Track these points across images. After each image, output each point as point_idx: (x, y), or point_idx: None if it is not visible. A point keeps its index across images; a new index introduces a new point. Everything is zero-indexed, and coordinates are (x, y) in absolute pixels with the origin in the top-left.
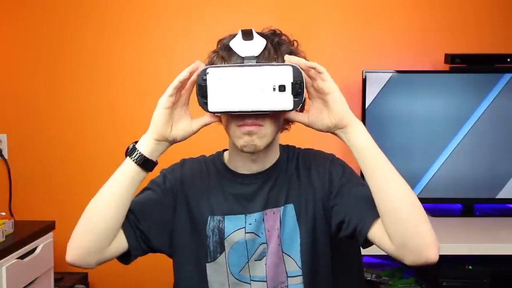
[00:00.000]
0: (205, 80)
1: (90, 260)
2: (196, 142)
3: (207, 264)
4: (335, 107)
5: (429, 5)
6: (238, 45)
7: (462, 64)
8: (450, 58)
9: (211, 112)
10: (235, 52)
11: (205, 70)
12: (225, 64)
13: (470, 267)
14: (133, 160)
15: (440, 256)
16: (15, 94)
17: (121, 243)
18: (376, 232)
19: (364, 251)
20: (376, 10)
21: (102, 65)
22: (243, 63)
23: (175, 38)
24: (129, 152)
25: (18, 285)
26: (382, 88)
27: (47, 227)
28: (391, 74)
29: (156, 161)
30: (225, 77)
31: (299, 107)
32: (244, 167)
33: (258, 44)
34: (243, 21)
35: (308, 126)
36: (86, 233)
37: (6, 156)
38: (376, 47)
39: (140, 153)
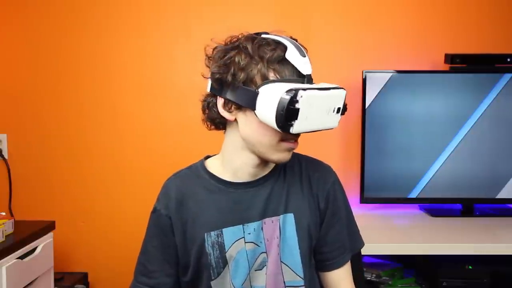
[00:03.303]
0: (296, 102)
1: None
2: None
3: (212, 282)
4: None
5: (430, 5)
6: (299, 62)
7: (462, 64)
8: (450, 58)
9: (290, 133)
10: (292, 67)
11: (296, 93)
12: (278, 77)
13: (470, 267)
14: None
15: (440, 256)
16: (15, 94)
17: None
18: (334, 276)
19: (364, 251)
20: (376, 10)
21: (102, 65)
22: (304, 81)
23: (175, 38)
24: None
25: (18, 285)
26: (382, 88)
27: (47, 227)
28: (391, 74)
29: None
30: (313, 100)
31: None
32: (244, 170)
33: (308, 61)
34: (242, 21)
35: None
36: None
37: (6, 156)
38: (376, 47)
39: None
